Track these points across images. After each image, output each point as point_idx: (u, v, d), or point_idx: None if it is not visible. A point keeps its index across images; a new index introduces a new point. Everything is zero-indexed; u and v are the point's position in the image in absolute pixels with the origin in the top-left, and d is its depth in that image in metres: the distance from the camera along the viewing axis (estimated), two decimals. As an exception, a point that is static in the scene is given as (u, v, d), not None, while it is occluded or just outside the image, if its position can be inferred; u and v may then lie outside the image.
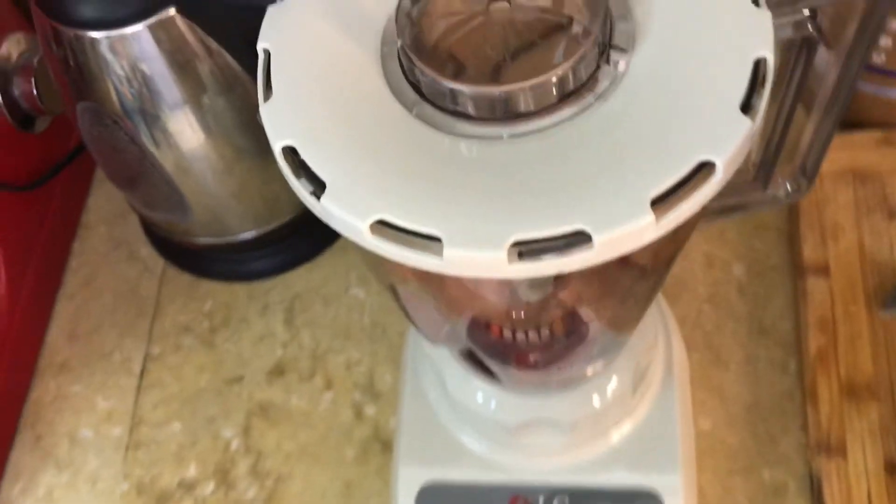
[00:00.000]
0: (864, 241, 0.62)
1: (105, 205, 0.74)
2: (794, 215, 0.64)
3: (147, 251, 0.71)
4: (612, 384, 0.45)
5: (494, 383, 0.45)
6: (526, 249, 0.27)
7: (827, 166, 0.62)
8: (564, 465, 0.47)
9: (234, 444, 0.62)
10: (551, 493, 0.47)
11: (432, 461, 0.48)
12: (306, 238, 0.68)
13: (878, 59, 0.62)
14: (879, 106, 0.66)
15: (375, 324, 0.65)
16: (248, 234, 0.64)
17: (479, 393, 0.45)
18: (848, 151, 0.65)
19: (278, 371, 0.65)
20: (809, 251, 0.62)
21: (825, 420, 0.56)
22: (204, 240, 0.64)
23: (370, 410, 0.62)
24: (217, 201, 0.61)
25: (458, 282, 0.37)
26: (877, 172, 0.65)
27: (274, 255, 0.68)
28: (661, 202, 0.27)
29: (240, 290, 0.69)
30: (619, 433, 0.48)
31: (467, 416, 0.47)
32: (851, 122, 0.67)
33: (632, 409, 0.47)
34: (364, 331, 0.65)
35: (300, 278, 0.68)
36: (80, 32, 0.50)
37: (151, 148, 0.55)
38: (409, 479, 0.48)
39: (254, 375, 0.65)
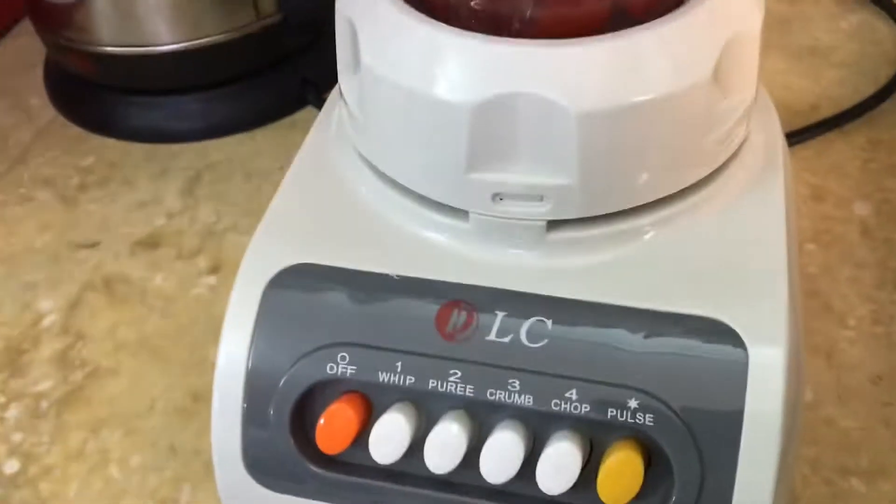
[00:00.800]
0: None
1: (12, 58, 0.57)
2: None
3: (38, 101, 0.52)
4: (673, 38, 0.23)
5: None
6: None
7: None
8: (557, 258, 0.24)
9: (49, 320, 0.40)
10: (520, 307, 0.24)
11: (302, 231, 0.26)
12: (244, 97, 0.49)
13: None
14: None
15: (309, 208, 0.45)
16: (167, 45, 0.45)
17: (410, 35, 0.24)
18: None
19: (151, 243, 0.43)
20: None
21: None
22: (109, 49, 0.46)
23: (265, 306, 0.40)
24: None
25: None
26: None
27: (194, 115, 0.49)
28: None
29: (138, 150, 0.49)
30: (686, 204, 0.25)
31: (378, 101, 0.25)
32: None
33: (711, 153, 0.25)
34: (290, 214, 0.44)
35: (221, 148, 0.49)
36: None
37: None
38: (262, 259, 0.26)
39: (113, 244, 0.44)
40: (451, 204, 0.25)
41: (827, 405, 0.35)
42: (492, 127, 0.23)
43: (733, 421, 0.22)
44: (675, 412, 0.23)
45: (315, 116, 0.49)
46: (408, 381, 0.24)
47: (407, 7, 0.24)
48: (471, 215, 0.25)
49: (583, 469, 0.24)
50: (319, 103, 0.50)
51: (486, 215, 0.25)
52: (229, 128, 0.49)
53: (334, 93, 0.32)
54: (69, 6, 0.45)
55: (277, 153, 0.48)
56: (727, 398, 0.23)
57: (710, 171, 0.25)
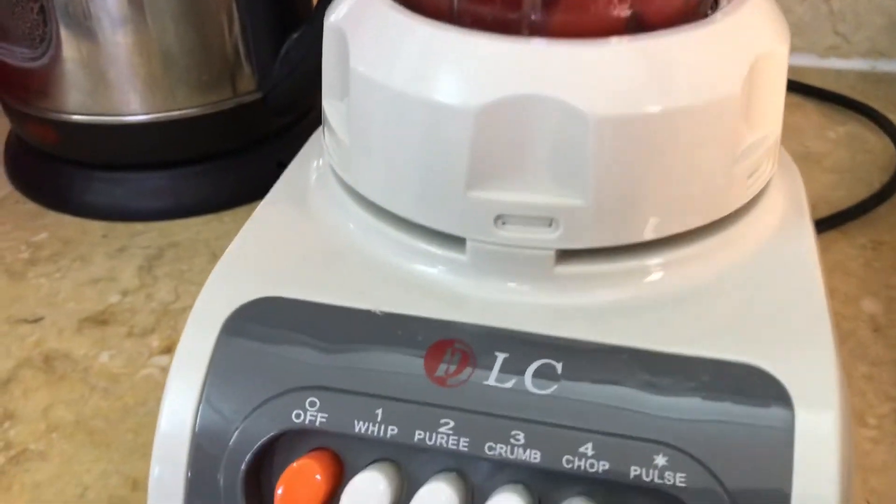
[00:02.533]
0: None
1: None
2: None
3: (-5, 176, 0.49)
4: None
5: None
6: None
7: None
8: (566, 298, 0.21)
9: (-26, 399, 0.35)
10: (524, 349, 0.20)
11: (267, 264, 0.22)
12: (216, 177, 0.46)
13: None
14: None
15: (278, 291, 0.41)
16: (136, 116, 0.43)
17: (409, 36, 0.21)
18: None
19: (100, 320, 0.39)
20: None
21: None
22: (74, 118, 0.43)
23: (222, 389, 0.36)
24: (96, 47, 0.41)
25: None
26: None
27: (160, 193, 0.46)
28: None
29: (96, 227, 0.45)
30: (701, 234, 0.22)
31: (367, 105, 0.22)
32: None
33: (738, 184, 0.21)
34: (256, 295, 0.41)
35: (187, 227, 0.45)
36: None
37: None
38: (219, 296, 0.22)
39: (59, 320, 0.39)
40: (446, 230, 0.22)
41: (855, 512, 0.31)
42: (497, 135, 0.20)
43: (779, 485, 0.19)
44: (709, 470, 0.19)
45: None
46: (389, 432, 0.20)
47: (404, 9, 0.22)
48: (468, 244, 0.22)
49: (598, 545, 0.19)
50: (295, 188, 0.47)
51: (486, 243, 0.21)
52: (197, 208, 0.45)
53: (312, 139, 0.30)
54: (34, 70, 0.43)
55: (247, 235, 0.45)
56: (771, 458, 0.19)
57: (737, 206, 0.23)
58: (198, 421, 0.21)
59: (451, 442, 0.20)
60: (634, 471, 0.19)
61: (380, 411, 0.20)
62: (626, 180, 0.20)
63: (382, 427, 0.20)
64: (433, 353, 0.21)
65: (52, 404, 0.35)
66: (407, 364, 0.21)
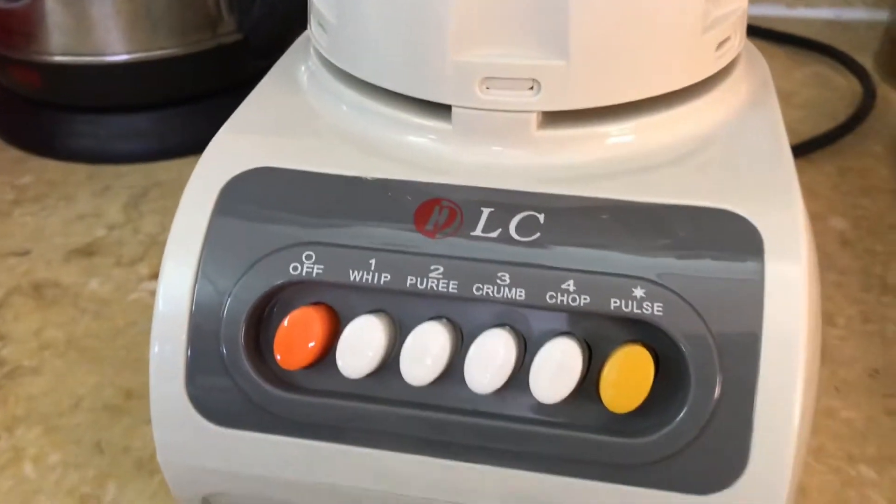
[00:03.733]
0: None
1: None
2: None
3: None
4: None
5: None
6: None
7: None
8: (547, 157, 0.22)
9: (-35, 323, 0.36)
10: (512, 204, 0.21)
11: (265, 136, 0.23)
12: (199, 118, 0.47)
13: None
14: None
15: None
16: (118, 56, 0.43)
17: None
18: None
19: (86, 252, 0.40)
20: (954, 192, 0.40)
21: None
22: (57, 59, 0.44)
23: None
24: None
25: None
26: None
27: (143, 135, 0.46)
28: None
29: (81, 170, 0.46)
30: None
31: None
32: None
33: (708, 53, 0.23)
34: (242, 226, 0.41)
35: (170, 168, 0.46)
36: None
37: None
38: (215, 167, 0.23)
39: (45, 252, 0.40)
40: (432, 99, 0.23)
41: (825, 398, 0.32)
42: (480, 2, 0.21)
43: (753, 306, 0.20)
44: (685, 300, 0.20)
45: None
46: (383, 280, 0.21)
47: None
48: (454, 111, 0.23)
49: (583, 378, 0.21)
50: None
51: (470, 108, 0.22)
52: (180, 150, 0.46)
53: (295, 45, 0.30)
54: (15, 12, 0.43)
55: (230, 174, 0.45)
56: (743, 289, 0.20)
57: (708, 74, 0.24)
58: (197, 282, 0.22)
59: (440, 286, 0.21)
60: (614, 303, 0.20)
61: (373, 261, 0.21)
62: (604, 40, 0.21)
63: (376, 275, 0.21)
64: (422, 210, 0.22)
65: (43, 327, 0.36)
66: (398, 220, 0.21)
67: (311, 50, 0.27)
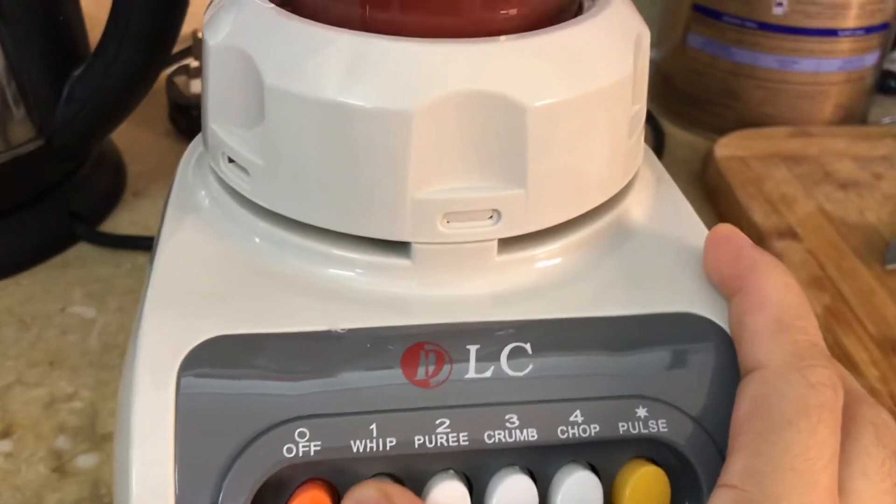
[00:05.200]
0: (824, 207, 0.46)
1: None
2: (723, 195, 0.48)
3: None
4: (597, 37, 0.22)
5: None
6: None
7: (749, 152, 0.51)
8: (516, 276, 0.22)
9: None
10: (495, 337, 0.21)
11: (207, 300, 0.21)
12: (2, 236, 0.41)
13: (778, 10, 0.51)
14: (784, 92, 0.54)
15: (108, 347, 0.38)
16: None
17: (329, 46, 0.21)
18: (766, 141, 0.52)
19: None
20: (763, 218, 0.45)
21: (878, 384, 0.35)
22: None
23: (87, 461, 0.32)
24: None
25: None
26: (807, 156, 0.51)
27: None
28: None
29: None
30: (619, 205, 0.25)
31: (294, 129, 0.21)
32: (758, 113, 0.54)
33: (632, 159, 0.24)
34: (87, 356, 0.37)
35: (-19, 298, 0.40)
36: None
37: None
38: (164, 341, 0.20)
39: None
40: (391, 237, 0.22)
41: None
42: (438, 134, 0.21)
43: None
44: (685, 413, 0.21)
45: (89, 253, 0.43)
46: (388, 445, 0.20)
47: (307, 20, 0.22)
48: (414, 247, 0.22)
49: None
50: (92, 236, 0.44)
51: (431, 244, 0.22)
52: (-13, 273, 0.41)
53: (179, 183, 0.28)
54: None
55: (53, 295, 0.41)
56: (729, 390, 0.21)
57: (636, 169, 0.25)
58: (177, 485, 0.19)
59: (451, 440, 0.20)
60: (622, 427, 0.21)
61: (374, 427, 0.20)
62: (560, 163, 0.22)
63: (380, 441, 0.20)
64: (408, 359, 0.21)
65: None
66: (386, 374, 0.20)
67: (216, 183, 0.25)
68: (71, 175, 0.44)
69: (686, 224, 0.25)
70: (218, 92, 0.23)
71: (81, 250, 0.44)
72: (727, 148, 0.51)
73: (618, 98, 0.23)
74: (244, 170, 0.23)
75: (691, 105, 0.57)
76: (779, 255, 0.42)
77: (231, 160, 0.24)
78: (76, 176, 0.44)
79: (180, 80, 0.52)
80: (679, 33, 0.57)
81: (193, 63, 0.52)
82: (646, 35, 0.24)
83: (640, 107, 0.25)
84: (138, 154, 0.51)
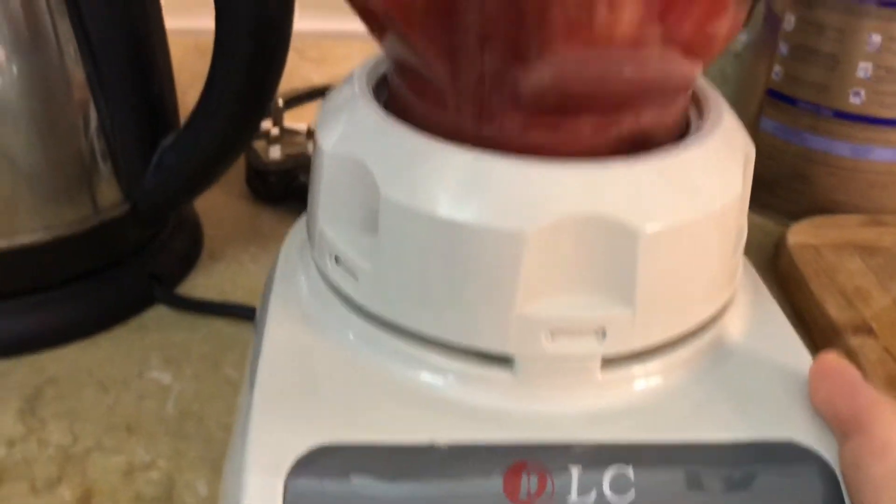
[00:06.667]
0: (902, 303, 0.45)
1: None
2: (795, 285, 0.47)
3: None
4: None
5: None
6: None
7: (821, 240, 0.50)
8: (621, 401, 0.22)
9: None
10: (597, 458, 0.21)
11: (311, 406, 0.21)
12: (83, 299, 0.42)
13: (855, 99, 0.51)
14: (857, 180, 0.53)
15: (186, 415, 0.38)
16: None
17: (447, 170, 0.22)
18: (839, 229, 0.51)
19: (-10, 479, 0.35)
20: (837, 312, 0.44)
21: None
22: None
23: (163, 534, 0.33)
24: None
25: None
26: (881, 246, 0.51)
27: (22, 324, 0.41)
28: None
29: (-51, 372, 0.40)
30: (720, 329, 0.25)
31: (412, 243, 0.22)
32: (829, 200, 0.54)
33: (734, 274, 0.25)
34: (164, 423, 0.38)
35: (61, 359, 0.41)
36: None
37: None
38: (271, 448, 0.20)
39: (-62, 488, 0.34)
40: (494, 350, 0.22)
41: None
42: (549, 255, 0.21)
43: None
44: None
45: (166, 316, 0.44)
46: (494, 569, 0.20)
47: (426, 133, 0.22)
48: (517, 361, 0.22)
49: None
50: (170, 299, 0.44)
51: (534, 359, 0.22)
52: (67, 335, 0.41)
53: (282, 267, 0.28)
54: None
55: (131, 358, 0.41)
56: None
57: (736, 284, 0.25)
58: None
59: (557, 566, 0.20)
60: (724, 561, 0.20)
61: (477, 551, 0.20)
62: (668, 283, 0.22)
63: (486, 565, 0.20)
64: (510, 479, 0.21)
65: (-38, 590, 0.31)
66: (488, 494, 0.21)
67: (316, 273, 0.26)
68: (152, 238, 0.45)
69: (785, 343, 0.25)
70: (330, 195, 0.24)
71: (159, 312, 0.45)
72: (799, 235, 0.51)
73: (727, 219, 0.23)
74: (351, 272, 0.24)
75: (763, 187, 0.57)
76: (854, 352, 0.42)
77: (337, 260, 0.24)
78: (157, 238, 0.46)
79: (259, 144, 0.54)
80: (751, 115, 0.57)
81: (273, 129, 0.53)
82: (752, 153, 0.25)
83: (745, 221, 0.25)
84: (215, 217, 0.52)
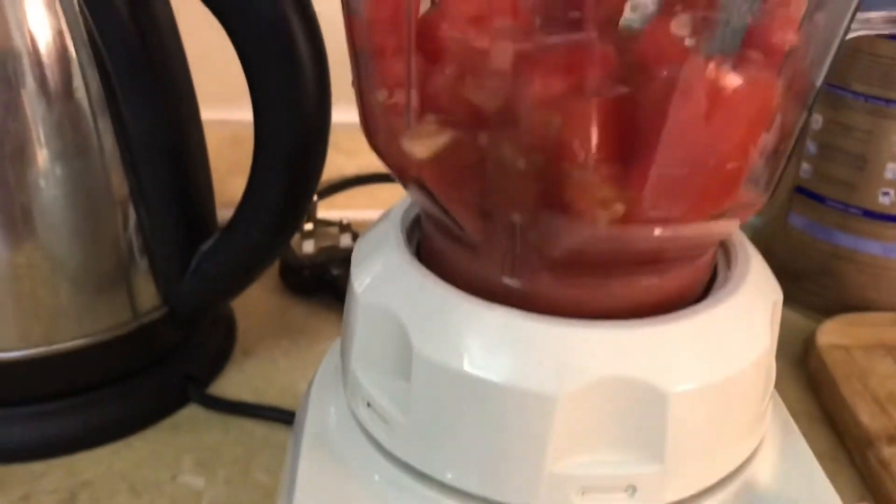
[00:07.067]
0: (936, 409, 0.45)
1: None
2: (826, 388, 0.47)
3: None
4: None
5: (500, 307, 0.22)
6: None
7: (852, 340, 0.50)
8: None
9: None
10: None
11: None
12: (117, 401, 0.43)
13: (885, 199, 0.51)
14: (888, 278, 0.53)
15: (217, 521, 0.39)
16: (15, 353, 0.39)
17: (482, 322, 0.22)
18: (870, 328, 0.51)
19: (25, 591, 0.35)
20: (869, 420, 0.44)
21: None
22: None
23: None
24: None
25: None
26: (913, 347, 0.50)
27: (56, 427, 0.42)
28: None
29: (-14, 474, 0.41)
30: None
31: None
32: (860, 297, 0.54)
33: (764, 417, 0.25)
34: (196, 530, 0.38)
35: (96, 461, 0.42)
36: None
37: None
38: None
39: None
40: (523, 505, 0.22)
41: None
42: (580, 415, 0.21)
43: None
44: None
45: (199, 415, 0.45)
46: None
47: (457, 289, 0.23)
48: (548, 516, 0.22)
49: None
50: (204, 400, 0.45)
51: (565, 514, 0.22)
52: (102, 437, 0.42)
53: (317, 393, 0.29)
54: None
55: (165, 460, 0.42)
56: None
57: (766, 427, 0.25)
58: None
59: None
60: None
61: None
62: (698, 439, 0.22)
63: None
64: None
65: None
66: None
67: (346, 409, 0.26)
68: (187, 338, 0.46)
69: (814, 488, 0.25)
70: (363, 340, 0.25)
71: (192, 412, 0.45)
72: (829, 335, 0.50)
73: (756, 372, 0.23)
74: (382, 418, 0.24)
75: (791, 281, 0.57)
76: (888, 463, 0.42)
77: (369, 404, 0.25)
78: (192, 337, 0.46)
79: (293, 239, 0.55)
80: (780, 210, 0.57)
81: (307, 224, 0.55)
82: (780, 298, 0.25)
83: (773, 363, 0.25)
84: (249, 309, 0.53)
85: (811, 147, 0.54)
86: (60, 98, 0.38)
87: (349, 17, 0.24)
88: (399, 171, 0.23)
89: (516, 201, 0.21)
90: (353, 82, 0.25)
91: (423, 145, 0.20)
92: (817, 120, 0.54)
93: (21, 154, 0.37)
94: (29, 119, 0.37)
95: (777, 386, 0.42)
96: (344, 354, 0.26)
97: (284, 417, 0.44)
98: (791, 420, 0.28)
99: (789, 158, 0.26)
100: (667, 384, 0.21)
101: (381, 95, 0.23)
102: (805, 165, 0.55)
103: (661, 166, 0.20)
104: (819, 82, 0.25)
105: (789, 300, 0.57)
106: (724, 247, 0.26)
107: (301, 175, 0.41)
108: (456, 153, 0.21)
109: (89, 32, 0.37)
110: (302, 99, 0.39)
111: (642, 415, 0.21)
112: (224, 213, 0.43)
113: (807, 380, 0.50)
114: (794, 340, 0.54)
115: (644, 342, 0.22)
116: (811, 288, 0.56)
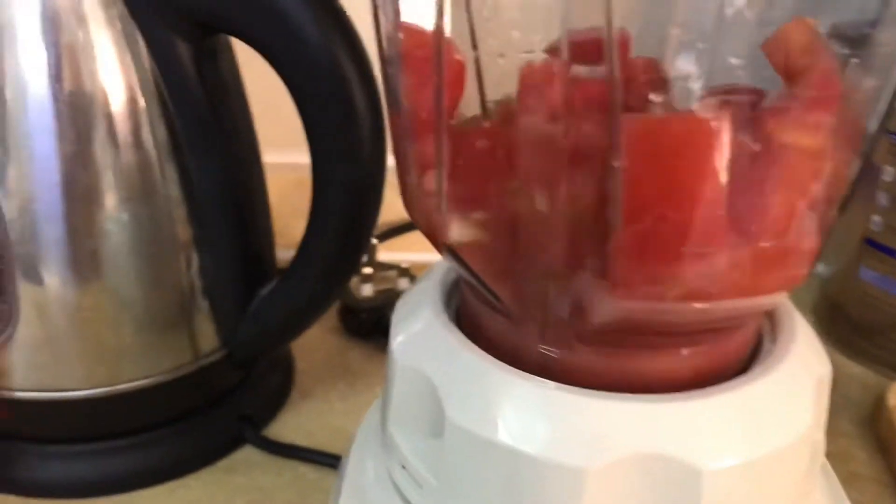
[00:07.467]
0: None
1: None
2: (894, 448, 0.45)
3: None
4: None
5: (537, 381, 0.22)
6: None
7: None
8: None
9: None
10: None
11: None
12: (175, 441, 0.44)
13: None
14: None
15: (268, 566, 0.39)
16: (80, 392, 0.41)
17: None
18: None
19: None
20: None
21: None
22: (18, 394, 0.41)
23: None
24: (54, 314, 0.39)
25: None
26: None
27: (117, 464, 0.43)
28: None
29: (46, 509, 0.42)
30: None
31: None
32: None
33: (810, 493, 0.24)
34: (248, 575, 0.39)
35: (152, 499, 0.43)
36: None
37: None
38: None
39: None
40: (555, 578, 0.22)
41: None
42: (610, 489, 0.21)
43: None
44: None
45: (253, 457, 0.45)
46: None
47: (493, 359, 0.23)
48: (577, 589, 0.22)
49: None
50: (259, 442, 0.46)
51: (597, 586, 0.22)
52: (159, 476, 0.43)
53: (358, 447, 0.29)
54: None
55: (218, 501, 0.43)
56: None
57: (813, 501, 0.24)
58: None
59: None
60: None
61: None
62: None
63: None
64: None
65: None
66: None
67: (384, 466, 0.26)
68: (245, 379, 0.47)
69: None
70: (400, 401, 0.25)
71: (247, 453, 0.46)
72: (900, 395, 0.48)
73: (797, 452, 0.22)
74: (416, 480, 0.24)
75: (862, 336, 0.55)
76: (959, 536, 0.40)
77: (404, 467, 0.25)
78: (249, 379, 0.47)
79: (352, 282, 0.55)
80: (850, 262, 0.56)
81: (366, 268, 0.55)
82: (828, 374, 0.24)
83: (821, 439, 0.25)
84: (306, 351, 0.54)
85: (882, 199, 0.53)
86: (129, 148, 0.39)
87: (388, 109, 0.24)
88: (433, 240, 0.24)
89: (550, 274, 0.21)
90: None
91: (455, 232, 0.21)
92: (889, 171, 0.52)
93: (90, 200, 0.39)
94: (98, 167, 0.39)
95: (845, 448, 0.40)
96: (383, 412, 0.27)
97: (333, 462, 0.44)
98: (844, 496, 0.27)
99: (840, 211, 0.25)
100: (701, 461, 0.21)
101: (415, 176, 0.23)
102: (875, 218, 0.53)
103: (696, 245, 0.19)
104: (873, 128, 0.24)
105: (860, 356, 0.56)
106: (770, 316, 0.25)
107: (356, 225, 0.41)
108: (489, 230, 0.21)
109: (157, 86, 0.39)
110: (358, 147, 0.39)
111: (676, 492, 0.21)
112: (288, 255, 0.44)
113: (876, 442, 0.48)
114: (864, 399, 0.52)
115: (678, 417, 0.21)
116: (883, 343, 0.54)
